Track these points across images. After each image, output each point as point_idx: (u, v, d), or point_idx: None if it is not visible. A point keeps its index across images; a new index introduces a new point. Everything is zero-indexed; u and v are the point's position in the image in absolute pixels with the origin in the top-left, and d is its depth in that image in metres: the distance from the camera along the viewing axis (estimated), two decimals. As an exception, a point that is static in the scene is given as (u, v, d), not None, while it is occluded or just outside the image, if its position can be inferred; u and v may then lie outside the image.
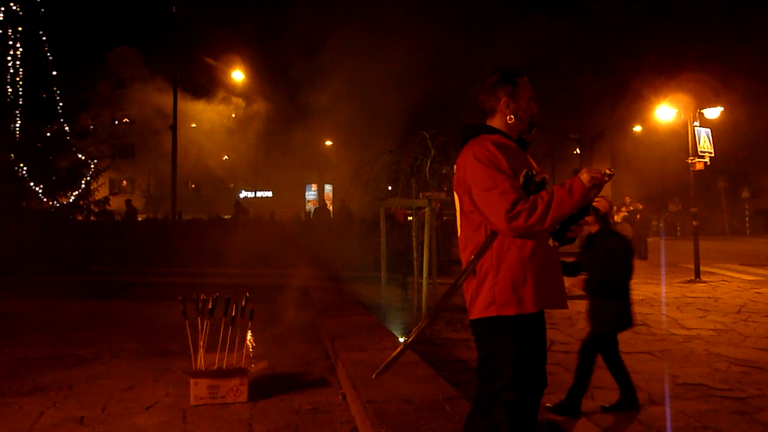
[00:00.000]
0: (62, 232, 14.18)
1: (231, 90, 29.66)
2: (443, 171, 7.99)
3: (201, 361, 4.49)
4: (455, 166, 2.55)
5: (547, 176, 2.42)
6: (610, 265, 4.38)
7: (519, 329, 2.37)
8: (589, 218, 4.35)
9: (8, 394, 4.68)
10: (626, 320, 4.58)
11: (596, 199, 3.69)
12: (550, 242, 2.46)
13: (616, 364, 4.62)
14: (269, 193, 42.68)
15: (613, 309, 4.48)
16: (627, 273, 4.45)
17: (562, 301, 2.52)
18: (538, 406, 2.51)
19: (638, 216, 18.12)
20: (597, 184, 2.28)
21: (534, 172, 2.38)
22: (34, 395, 4.66)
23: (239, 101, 32.45)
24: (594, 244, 4.55)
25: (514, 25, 18.79)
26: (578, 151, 22.02)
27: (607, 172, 2.30)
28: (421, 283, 7.64)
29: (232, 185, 46.02)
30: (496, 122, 2.57)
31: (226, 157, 46.56)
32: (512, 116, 2.53)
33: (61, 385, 4.94)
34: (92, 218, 17.50)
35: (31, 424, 4.04)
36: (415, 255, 7.87)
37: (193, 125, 39.67)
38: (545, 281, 2.41)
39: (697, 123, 13.87)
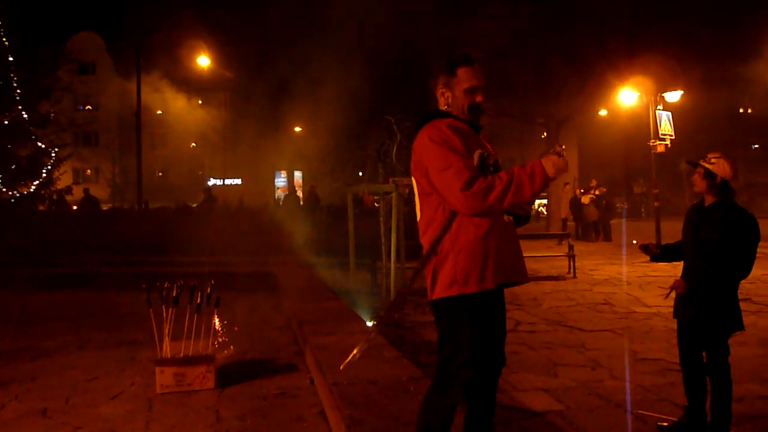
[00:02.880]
0: (24, 222, 13.83)
1: (197, 76, 29.15)
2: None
3: (167, 350, 4.46)
4: (412, 151, 2.57)
5: (499, 159, 2.49)
6: (730, 250, 3.37)
7: (478, 307, 2.41)
8: (698, 184, 3.55)
9: (-32, 388, 4.59)
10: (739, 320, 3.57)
11: (713, 159, 3.49)
12: (505, 218, 2.50)
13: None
14: (238, 181, 42.24)
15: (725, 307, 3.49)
16: (750, 262, 3.42)
17: (521, 276, 2.56)
18: (496, 384, 2.58)
19: (604, 201, 18.51)
20: (563, 169, 2.35)
21: (486, 154, 2.43)
22: (-4, 388, 4.58)
23: (207, 86, 31.95)
24: (708, 219, 3.52)
25: (482, 9, 18.85)
26: (545, 134, 22.26)
27: (557, 149, 2.37)
28: (390, 268, 7.70)
29: (200, 173, 45.41)
30: (442, 107, 2.63)
31: (193, 144, 45.92)
32: (447, 105, 2.59)
33: (24, 377, 4.86)
34: (54, 208, 17.09)
35: (-8, 417, 3.98)
36: (383, 240, 7.92)
37: (159, 112, 38.96)
38: (503, 257, 2.45)
39: (660, 107, 14.18)
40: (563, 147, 2.38)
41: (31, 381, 4.77)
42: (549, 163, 2.35)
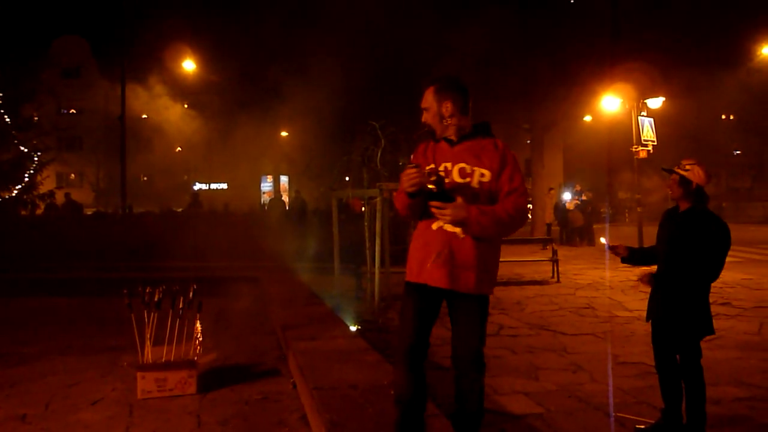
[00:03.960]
0: (6, 227, 13.66)
1: (183, 80, 29.00)
2: (400, 162, 8.05)
3: (148, 355, 4.44)
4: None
5: (438, 170, 2.81)
6: (701, 255, 3.44)
7: (409, 293, 2.84)
8: (674, 191, 3.61)
9: (-54, 395, 4.53)
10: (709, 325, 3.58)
11: (687, 166, 3.56)
12: (434, 226, 2.78)
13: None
14: (224, 185, 42.03)
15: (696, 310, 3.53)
16: (719, 267, 3.49)
17: (434, 278, 2.75)
18: (403, 357, 2.82)
19: (590, 206, 18.69)
20: (415, 183, 2.67)
21: (429, 170, 2.79)
22: (-26, 395, 4.53)
23: (192, 91, 31.80)
24: (682, 225, 3.56)
25: (465, 15, 18.98)
26: (530, 140, 22.42)
27: (409, 164, 2.73)
28: (374, 273, 7.72)
29: (185, 177, 45.13)
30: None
31: (179, 148, 45.63)
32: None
33: (3, 383, 4.80)
34: (38, 212, 16.89)
35: (-30, 423, 3.94)
36: (367, 245, 7.93)
37: (144, 116, 38.71)
38: (420, 259, 2.79)
39: (643, 113, 14.37)
40: (413, 163, 2.79)
41: (9, 387, 4.72)
42: (401, 184, 2.71)
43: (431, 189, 2.70)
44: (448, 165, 2.81)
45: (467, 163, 2.77)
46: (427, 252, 2.76)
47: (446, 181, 2.78)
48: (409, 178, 2.66)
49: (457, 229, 2.72)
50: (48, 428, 3.84)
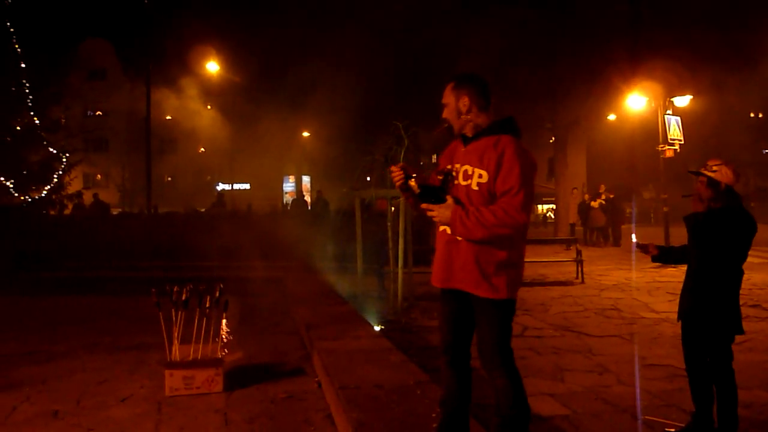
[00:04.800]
0: (35, 227, 13.95)
1: (206, 81, 29.34)
2: (421, 162, 8.07)
3: (176, 353, 4.50)
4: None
5: (447, 169, 2.86)
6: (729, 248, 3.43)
7: (440, 295, 2.94)
8: (704, 193, 3.56)
9: (-20, 391, 4.65)
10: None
11: (714, 167, 3.52)
12: (441, 227, 2.84)
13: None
14: (247, 186, 42.42)
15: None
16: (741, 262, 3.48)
17: (439, 279, 2.87)
18: (441, 356, 2.94)
19: (612, 206, 18.43)
20: (396, 181, 2.81)
21: (440, 169, 2.89)
22: (8, 391, 4.62)
23: (215, 92, 32.13)
24: (713, 224, 3.53)
25: (487, 14, 18.85)
26: (553, 139, 22.20)
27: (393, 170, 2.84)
28: (397, 273, 7.72)
29: (209, 178, 45.64)
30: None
31: (202, 149, 46.17)
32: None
33: (35, 380, 4.91)
34: (66, 212, 17.22)
35: (4, 418, 4.02)
36: (390, 245, 7.94)
37: (168, 117, 39.25)
38: (435, 260, 2.91)
39: (669, 111, 14.14)
40: (395, 169, 2.85)
41: (41, 384, 4.82)
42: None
43: (413, 188, 2.76)
44: (458, 166, 2.83)
45: (470, 165, 2.76)
46: (437, 253, 2.90)
47: (455, 182, 2.80)
48: (392, 176, 2.83)
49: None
50: (79, 424, 3.91)
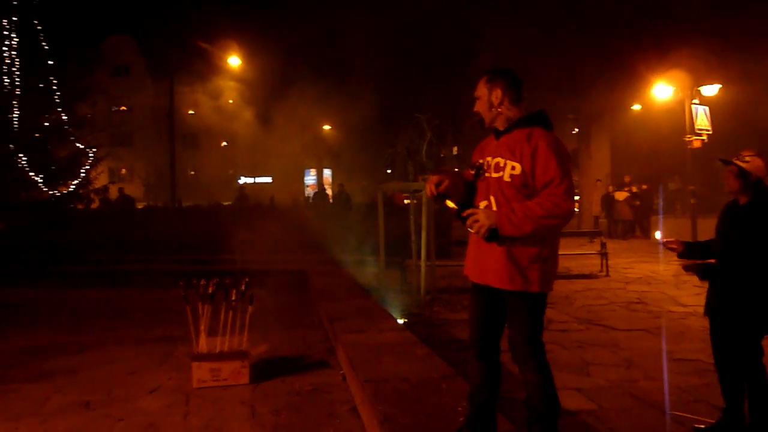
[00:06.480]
0: (63, 221, 14.22)
1: (228, 76, 29.52)
2: (441, 155, 8.04)
3: (203, 345, 4.57)
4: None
5: (479, 163, 2.90)
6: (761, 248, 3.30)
7: (471, 288, 2.99)
8: (731, 184, 3.48)
9: (15, 381, 4.76)
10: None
11: (747, 157, 3.45)
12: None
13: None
14: (269, 179, 42.69)
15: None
16: None
17: (473, 274, 2.93)
18: (469, 348, 2.97)
19: (638, 200, 18.14)
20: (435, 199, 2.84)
21: (472, 163, 2.93)
22: (40, 381, 4.74)
23: (236, 86, 32.34)
24: (742, 218, 3.44)
25: (509, 3, 18.65)
26: (577, 130, 21.93)
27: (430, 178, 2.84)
28: (420, 266, 7.71)
29: (231, 171, 46.03)
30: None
31: (224, 143, 46.58)
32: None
33: (66, 371, 5.02)
34: (93, 206, 17.52)
35: (38, 408, 4.13)
36: (413, 238, 7.93)
37: (191, 112, 39.65)
38: (469, 255, 2.96)
39: (696, 101, 13.86)
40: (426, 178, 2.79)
41: (72, 375, 4.92)
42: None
43: (451, 208, 2.79)
44: (489, 159, 2.84)
45: (502, 157, 2.76)
46: (470, 246, 2.94)
47: (485, 175, 2.82)
48: (427, 186, 2.84)
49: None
50: (110, 414, 3.99)
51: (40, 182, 15.90)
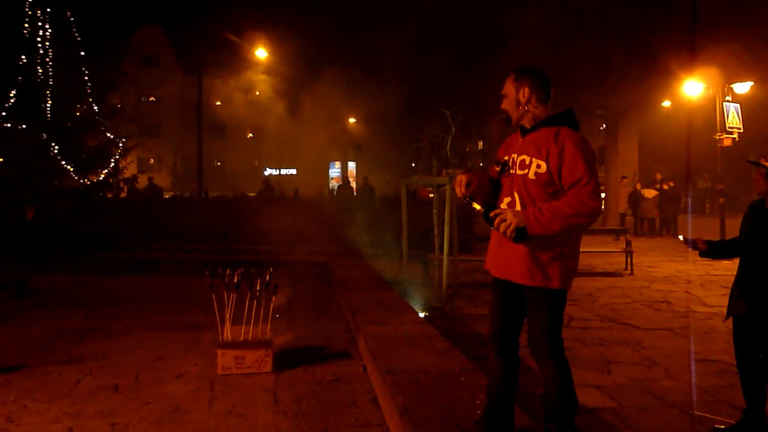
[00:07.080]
0: (93, 210, 14.54)
1: (255, 68, 29.77)
2: (467, 149, 8.02)
3: (227, 333, 4.68)
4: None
5: (504, 160, 2.92)
6: None
7: (492, 282, 3.02)
8: (760, 185, 3.47)
9: (47, 363, 4.93)
10: None
11: None
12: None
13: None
14: (293, 171, 42.99)
15: None
16: None
17: (495, 269, 2.95)
18: (489, 341, 3.01)
19: (667, 197, 17.84)
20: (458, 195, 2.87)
21: (497, 159, 2.97)
22: (71, 364, 4.91)
23: (263, 78, 32.59)
24: (765, 219, 3.42)
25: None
26: (604, 126, 21.63)
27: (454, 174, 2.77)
28: (442, 260, 7.74)
29: (256, 163, 46.45)
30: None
31: (250, 135, 47.00)
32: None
33: (96, 355, 5.19)
34: (122, 195, 17.89)
35: (69, 390, 4.28)
36: (436, 232, 7.96)
37: (218, 103, 40.09)
38: (491, 250, 3.00)
39: (728, 98, 13.59)
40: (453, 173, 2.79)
41: (102, 359, 5.08)
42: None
43: (472, 202, 2.80)
44: (514, 156, 2.86)
45: (528, 155, 2.78)
46: (501, 245, 2.88)
47: (510, 172, 2.84)
48: (455, 186, 2.88)
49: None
50: (138, 398, 4.13)
51: (72, 171, 16.27)
